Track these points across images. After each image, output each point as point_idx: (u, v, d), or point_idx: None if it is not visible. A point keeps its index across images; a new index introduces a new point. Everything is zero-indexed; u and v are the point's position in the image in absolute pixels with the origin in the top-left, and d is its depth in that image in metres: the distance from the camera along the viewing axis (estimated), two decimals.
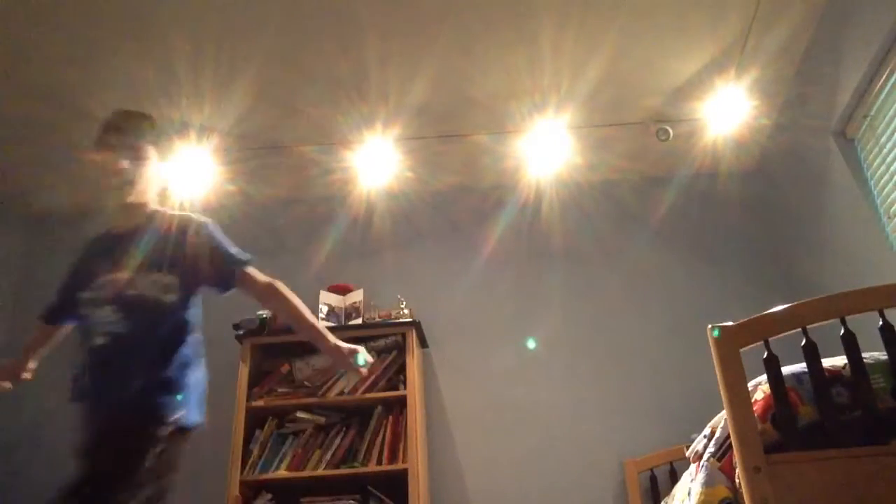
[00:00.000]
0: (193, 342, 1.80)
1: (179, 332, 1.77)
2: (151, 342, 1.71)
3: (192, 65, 3.00)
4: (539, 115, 3.40)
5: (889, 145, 2.69)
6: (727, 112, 3.38)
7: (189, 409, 1.70)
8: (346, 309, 3.44)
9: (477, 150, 3.68)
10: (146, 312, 1.72)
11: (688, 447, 1.97)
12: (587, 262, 3.75)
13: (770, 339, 1.60)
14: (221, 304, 3.67)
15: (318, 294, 3.43)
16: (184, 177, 3.59)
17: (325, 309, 3.39)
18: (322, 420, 3.15)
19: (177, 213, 1.91)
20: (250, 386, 3.17)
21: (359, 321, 3.36)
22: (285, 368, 3.26)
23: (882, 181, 2.76)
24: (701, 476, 1.69)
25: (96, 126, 1.83)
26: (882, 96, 2.68)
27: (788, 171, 3.53)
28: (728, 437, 1.60)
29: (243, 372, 3.17)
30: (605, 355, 3.52)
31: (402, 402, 3.13)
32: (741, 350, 1.59)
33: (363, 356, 1.92)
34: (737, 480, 1.56)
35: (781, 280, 3.57)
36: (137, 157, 1.83)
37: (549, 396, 3.44)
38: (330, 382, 3.18)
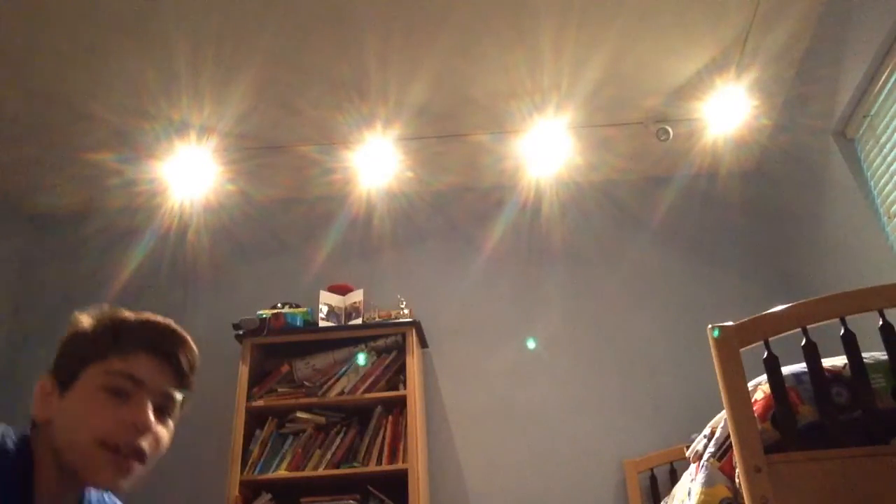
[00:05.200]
0: None
1: None
2: None
3: (192, 65, 3.00)
4: (539, 115, 3.40)
5: (889, 145, 2.69)
6: (727, 112, 3.38)
7: None
8: (346, 309, 3.44)
9: (477, 150, 3.68)
10: None
11: (688, 447, 1.97)
12: (587, 262, 3.75)
13: (770, 339, 1.60)
14: (221, 304, 3.69)
15: (318, 294, 3.43)
16: (184, 177, 3.60)
17: (325, 309, 3.39)
18: (322, 420, 3.15)
19: None
20: (250, 386, 3.17)
21: (359, 321, 3.35)
22: (285, 368, 3.26)
23: (882, 181, 2.76)
24: (701, 476, 1.69)
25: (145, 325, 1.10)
26: (882, 96, 2.68)
27: (788, 172, 3.53)
28: (728, 437, 1.60)
29: (243, 372, 3.17)
30: (605, 355, 3.52)
31: (402, 402, 3.13)
32: (741, 350, 1.59)
33: None
34: (737, 480, 1.56)
35: (781, 280, 3.57)
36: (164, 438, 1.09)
37: (549, 396, 3.44)
38: (330, 382, 3.19)
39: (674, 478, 3.08)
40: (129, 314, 1.10)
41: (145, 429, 1.01)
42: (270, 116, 3.36)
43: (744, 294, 3.54)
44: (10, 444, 0.97)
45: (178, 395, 1.09)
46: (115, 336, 1.05)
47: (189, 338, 1.12)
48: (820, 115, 3.05)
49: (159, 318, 1.11)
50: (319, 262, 3.78)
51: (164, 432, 1.06)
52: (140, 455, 1.02)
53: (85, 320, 1.08)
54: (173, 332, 1.11)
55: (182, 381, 1.09)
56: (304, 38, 2.94)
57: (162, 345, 1.07)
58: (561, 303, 3.66)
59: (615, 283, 3.69)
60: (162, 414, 1.06)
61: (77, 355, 1.04)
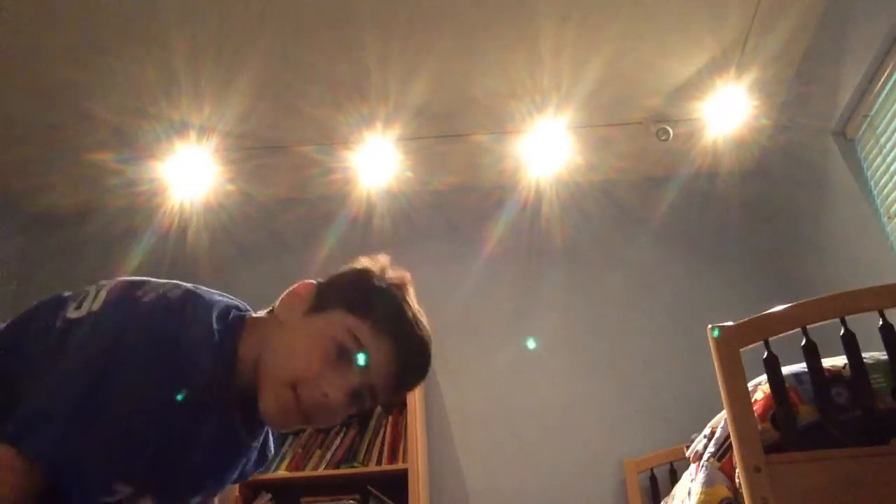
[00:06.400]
0: None
1: None
2: None
3: (192, 65, 3.00)
4: (539, 115, 3.40)
5: (889, 145, 2.68)
6: (727, 112, 3.38)
7: None
8: None
9: (477, 150, 3.68)
10: None
11: (688, 447, 1.97)
12: (587, 262, 3.75)
13: (770, 339, 1.60)
14: None
15: None
16: (184, 177, 3.60)
17: None
18: None
19: None
20: None
21: None
22: None
23: (882, 181, 2.76)
24: (701, 476, 1.69)
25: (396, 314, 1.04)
26: (882, 96, 2.68)
27: (788, 171, 3.53)
28: (728, 437, 1.60)
29: None
30: (604, 355, 3.52)
31: (402, 403, 3.13)
32: (741, 350, 1.59)
33: None
34: (737, 480, 1.56)
35: (781, 280, 3.56)
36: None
37: (548, 396, 3.44)
38: None
39: (674, 478, 3.08)
40: (412, 302, 1.05)
41: (331, 401, 0.94)
42: (270, 116, 3.36)
43: (744, 294, 3.54)
44: (219, 330, 0.92)
45: (376, 401, 1.01)
46: (384, 306, 1.00)
47: (427, 370, 1.05)
48: (820, 115, 3.05)
49: (425, 333, 1.04)
50: (319, 262, 3.77)
51: (341, 416, 0.99)
52: (307, 418, 0.96)
53: (382, 272, 1.06)
54: (424, 353, 1.03)
55: (394, 391, 1.01)
56: (304, 38, 2.93)
57: (407, 352, 1.00)
58: (561, 303, 3.66)
59: (615, 283, 3.69)
60: (350, 405, 0.98)
61: (342, 293, 1.00)
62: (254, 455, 1.07)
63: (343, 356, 0.95)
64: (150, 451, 0.87)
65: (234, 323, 0.96)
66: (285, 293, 1.03)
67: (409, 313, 1.03)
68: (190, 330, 0.88)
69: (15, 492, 0.76)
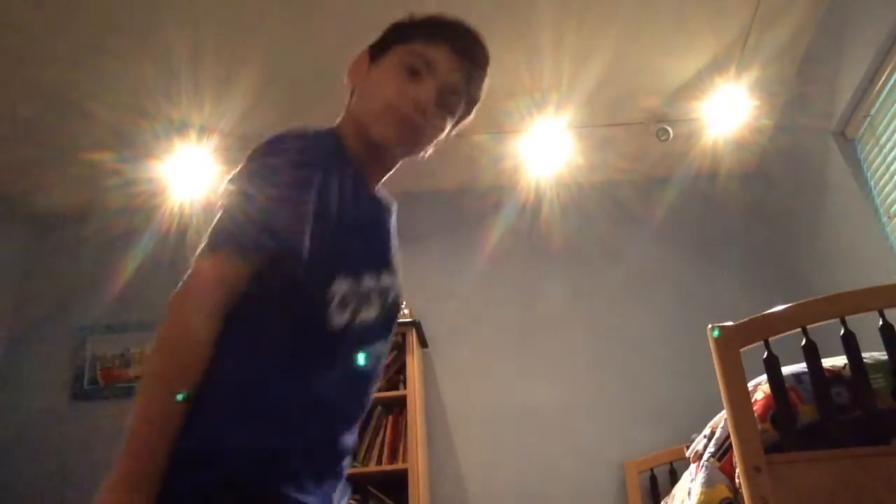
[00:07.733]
0: None
1: None
2: None
3: (192, 64, 3.00)
4: (539, 114, 3.40)
5: (889, 145, 2.68)
6: (727, 112, 3.38)
7: None
8: None
9: (477, 150, 3.68)
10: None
11: (688, 447, 1.97)
12: (587, 263, 3.75)
13: (770, 339, 1.60)
14: None
15: None
16: (184, 177, 3.60)
17: None
18: None
19: None
20: None
21: None
22: None
23: (882, 181, 2.76)
24: (701, 476, 1.69)
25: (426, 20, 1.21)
26: (882, 96, 2.68)
27: (788, 172, 3.53)
28: (728, 437, 1.60)
29: None
30: (605, 355, 3.52)
31: (402, 402, 3.13)
32: (741, 350, 1.59)
33: None
34: (737, 480, 1.56)
35: (781, 280, 3.56)
36: (453, 123, 1.22)
37: (549, 396, 3.44)
38: None
39: (674, 478, 3.08)
40: (445, 16, 1.22)
41: (425, 104, 1.11)
42: (271, 116, 3.36)
43: (744, 294, 3.54)
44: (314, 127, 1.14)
45: (464, 96, 1.17)
46: (425, 25, 1.19)
47: (487, 50, 1.21)
48: (820, 115, 3.05)
49: (469, 25, 1.22)
50: None
51: (441, 121, 1.17)
52: (419, 126, 1.13)
53: (408, 15, 1.24)
54: (476, 38, 1.22)
55: (471, 81, 1.17)
56: (304, 37, 2.93)
57: (461, 42, 1.18)
58: (561, 303, 3.65)
59: (615, 283, 3.69)
60: (443, 107, 1.15)
61: (391, 37, 1.21)
62: (390, 223, 1.26)
63: (413, 72, 1.13)
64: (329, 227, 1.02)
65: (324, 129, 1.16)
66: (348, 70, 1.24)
67: (446, 17, 1.22)
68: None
69: (224, 287, 0.99)
